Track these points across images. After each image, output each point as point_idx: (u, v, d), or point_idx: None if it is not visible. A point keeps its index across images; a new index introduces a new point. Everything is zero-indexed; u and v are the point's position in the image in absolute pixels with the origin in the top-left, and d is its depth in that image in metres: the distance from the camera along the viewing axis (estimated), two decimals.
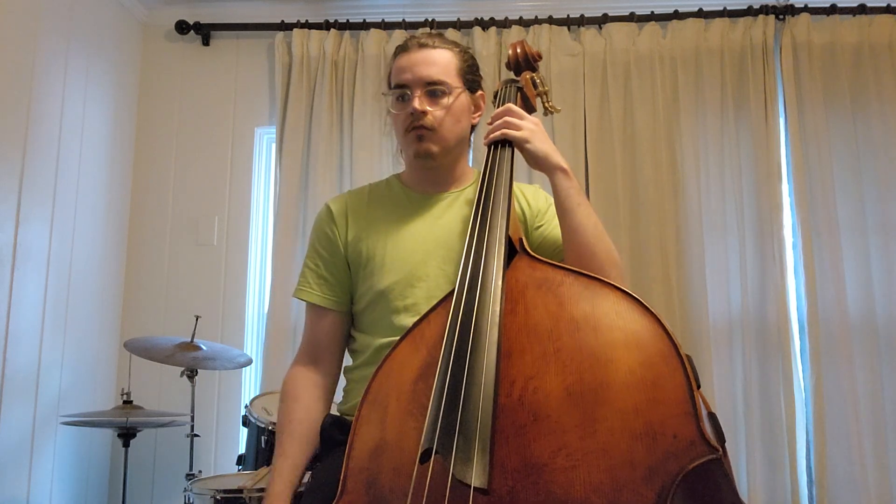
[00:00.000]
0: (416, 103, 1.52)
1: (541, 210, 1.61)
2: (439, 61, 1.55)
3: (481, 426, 1.01)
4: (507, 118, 1.47)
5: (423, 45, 1.56)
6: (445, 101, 1.54)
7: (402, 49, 1.58)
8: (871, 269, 3.12)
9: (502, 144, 1.47)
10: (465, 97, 1.58)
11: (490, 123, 1.51)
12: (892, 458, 3.00)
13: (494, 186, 1.39)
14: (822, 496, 2.94)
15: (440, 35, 1.62)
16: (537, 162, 1.44)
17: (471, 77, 1.60)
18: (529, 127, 1.45)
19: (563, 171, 1.43)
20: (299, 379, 1.58)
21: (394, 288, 1.50)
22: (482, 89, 1.65)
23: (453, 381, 1.08)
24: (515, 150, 1.47)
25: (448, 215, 1.58)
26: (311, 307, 1.62)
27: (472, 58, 1.64)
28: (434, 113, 1.53)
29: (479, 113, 1.65)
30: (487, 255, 1.25)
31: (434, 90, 1.53)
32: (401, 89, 1.55)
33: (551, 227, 1.57)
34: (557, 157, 1.44)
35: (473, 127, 1.66)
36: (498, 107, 1.61)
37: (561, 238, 1.49)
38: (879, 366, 3.05)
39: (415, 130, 1.54)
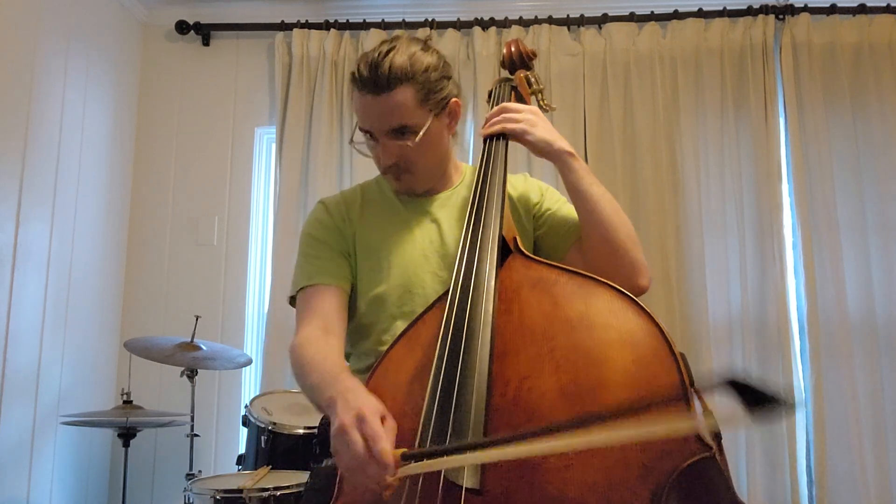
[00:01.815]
0: (386, 156, 1.46)
1: (536, 202, 1.59)
2: (396, 106, 1.40)
3: (474, 426, 1.02)
4: (504, 114, 1.47)
5: (377, 90, 1.39)
6: (413, 140, 1.43)
7: (356, 86, 1.43)
8: (871, 269, 3.11)
9: (497, 137, 1.47)
10: (434, 125, 1.46)
11: (486, 122, 1.51)
12: (892, 458, 2.99)
13: (489, 186, 1.39)
14: (822, 496, 2.94)
15: (396, 50, 1.41)
16: (540, 150, 1.44)
17: (436, 98, 1.45)
18: (527, 118, 1.45)
19: (569, 153, 1.43)
20: (316, 341, 1.36)
21: (391, 294, 1.47)
22: (455, 95, 1.51)
23: (446, 381, 1.08)
24: (509, 144, 1.48)
25: (443, 217, 1.56)
26: (314, 290, 1.47)
27: (436, 68, 1.45)
28: (406, 156, 1.46)
29: (454, 123, 1.55)
30: (481, 254, 1.25)
31: (400, 135, 1.44)
32: (367, 133, 1.48)
33: (555, 208, 1.57)
34: (561, 142, 1.44)
35: (455, 135, 1.60)
36: (493, 106, 1.61)
37: (568, 215, 1.51)
38: (879, 366, 3.05)
39: (391, 174, 1.51)
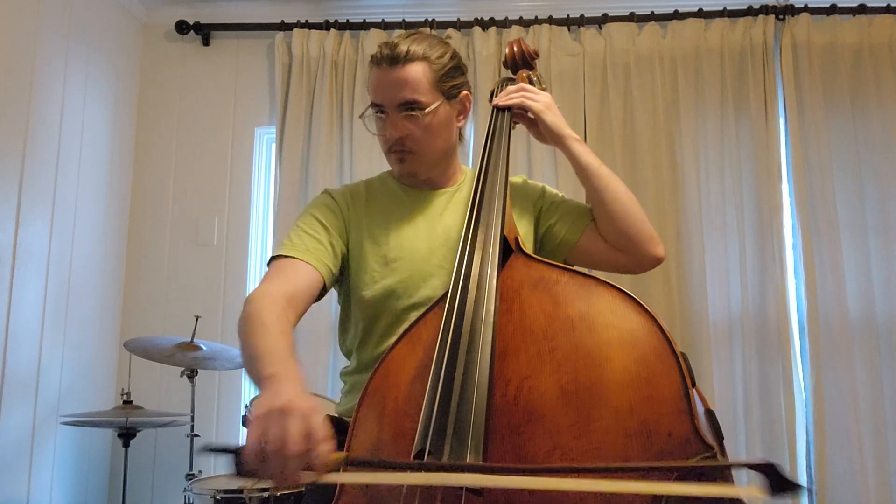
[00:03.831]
0: (392, 130, 1.49)
1: (539, 196, 1.63)
2: (410, 79, 1.46)
3: (474, 426, 1.01)
4: (523, 92, 1.57)
5: (393, 62, 1.46)
6: (422, 119, 1.48)
7: (374, 62, 1.50)
8: (871, 269, 3.11)
9: (506, 111, 1.58)
10: (444, 109, 1.51)
11: (503, 95, 1.61)
12: (892, 458, 2.99)
13: (489, 184, 1.41)
14: (822, 496, 2.94)
15: (416, 37, 1.51)
16: (551, 133, 1.54)
17: (449, 84, 1.52)
18: (545, 101, 1.56)
19: (576, 139, 1.53)
20: (278, 307, 1.30)
21: (397, 286, 1.48)
22: (467, 89, 1.58)
23: (447, 381, 1.08)
24: (512, 132, 1.57)
25: (447, 213, 1.57)
26: (295, 262, 1.43)
27: (452, 58, 1.53)
28: (412, 134, 1.49)
29: (464, 116, 1.60)
30: (483, 254, 1.26)
31: (410, 111, 1.48)
32: (377, 108, 1.52)
33: (560, 199, 1.64)
34: (570, 129, 1.55)
35: (461, 129, 1.63)
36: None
37: (575, 203, 1.61)
38: (879, 366, 3.05)
39: (395, 154, 1.53)
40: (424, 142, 1.51)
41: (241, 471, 0.95)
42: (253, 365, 1.16)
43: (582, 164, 1.52)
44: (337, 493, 1.13)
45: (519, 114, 1.61)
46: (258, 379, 1.10)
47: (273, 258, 1.48)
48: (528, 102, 1.55)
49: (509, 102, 1.57)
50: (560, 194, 1.65)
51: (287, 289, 1.37)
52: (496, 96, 1.65)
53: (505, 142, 1.51)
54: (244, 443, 0.95)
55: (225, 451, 0.95)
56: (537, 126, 1.59)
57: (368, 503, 1.10)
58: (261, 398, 1.02)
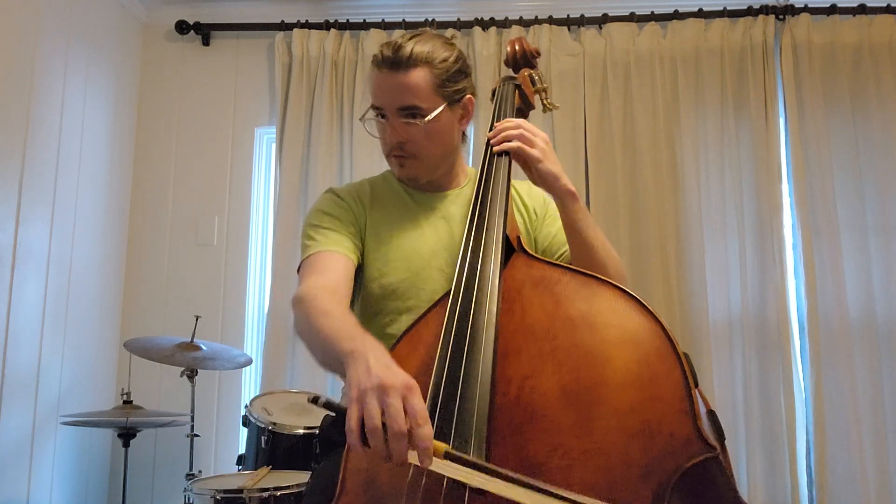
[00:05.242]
0: (393, 134, 1.48)
1: (539, 213, 1.61)
2: (412, 85, 1.43)
3: (477, 426, 1.01)
4: (523, 131, 1.42)
5: (395, 66, 1.43)
6: (423, 126, 1.45)
7: (376, 63, 1.46)
8: (871, 269, 3.11)
9: (501, 154, 1.44)
10: (445, 114, 1.48)
11: (498, 131, 1.45)
12: (892, 458, 2.99)
13: (492, 187, 1.39)
14: (822, 496, 2.94)
15: (420, 38, 1.47)
16: (546, 182, 1.40)
17: (452, 89, 1.48)
18: (542, 146, 1.41)
19: (572, 193, 1.40)
20: (327, 294, 1.30)
21: (397, 287, 1.49)
22: (470, 93, 1.54)
23: (449, 380, 1.08)
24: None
25: (450, 215, 1.57)
26: (321, 255, 1.44)
27: (456, 61, 1.49)
28: (413, 139, 1.47)
29: (466, 119, 1.57)
30: (485, 253, 1.25)
31: (410, 117, 1.45)
32: (377, 111, 1.49)
33: (553, 233, 1.58)
34: (566, 180, 1.40)
35: (464, 132, 1.61)
36: (495, 105, 1.61)
37: (562, 244, 1.52)
38: (879, 366, 3.05)
39: (395, 158, 1.51)
40: (425, 147, 1.49)
41: (338, 440, 0.94)
42: (328, 349, 1.13)
43: (569, 221, 1.41)
44: (338, 492, 1.13)
45: (516, 154, 1.45)
46: (338, 358, 1.06)
47: (303, 260, 1.47)
48: (526, 150, 1.39)
49: (505, 147, 1.42)
50: (555, 224, 1.56)
51: (327, 280, 1.37)
52: (497, 96, 1.64)
53: (505, 166, 1.43)
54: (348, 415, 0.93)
55: (333, 409, 0.95)
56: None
57: (369, 503, 1.10)
58: (351, 375, 0.98)
